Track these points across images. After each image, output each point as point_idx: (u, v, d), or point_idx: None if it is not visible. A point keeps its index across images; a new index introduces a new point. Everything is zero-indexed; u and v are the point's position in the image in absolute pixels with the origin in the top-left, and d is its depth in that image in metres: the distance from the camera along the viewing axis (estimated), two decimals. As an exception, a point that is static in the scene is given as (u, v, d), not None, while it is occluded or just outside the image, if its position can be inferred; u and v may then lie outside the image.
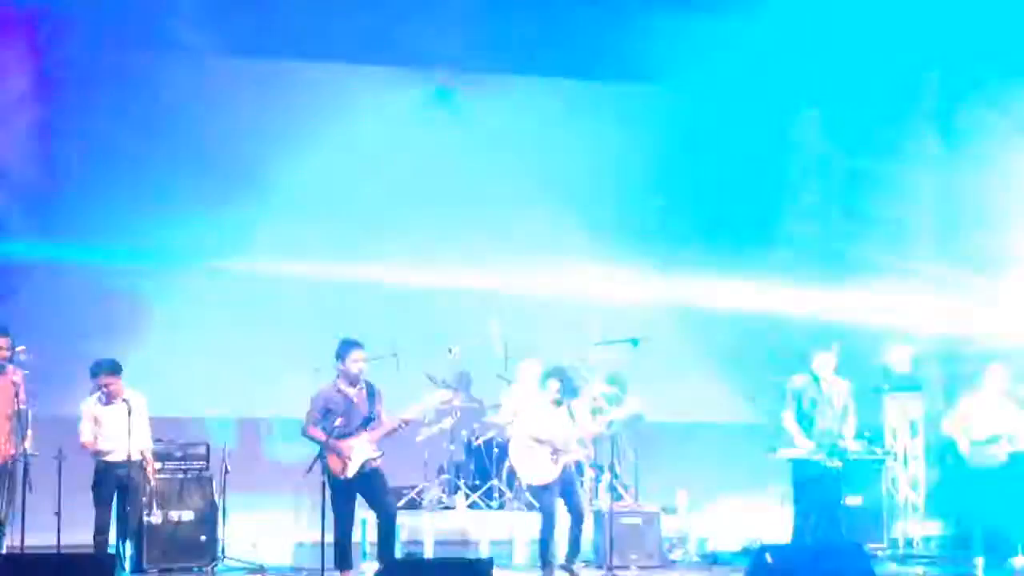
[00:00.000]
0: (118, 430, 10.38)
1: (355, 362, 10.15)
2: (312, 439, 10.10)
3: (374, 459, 10.10)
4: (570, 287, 14.15)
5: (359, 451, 10.05)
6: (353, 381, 10.18)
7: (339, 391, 10.19)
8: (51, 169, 13.36)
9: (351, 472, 10.03)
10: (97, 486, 10.52)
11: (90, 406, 10.59)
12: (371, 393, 10.27)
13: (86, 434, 10.53)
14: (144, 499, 10.70)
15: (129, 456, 10.36)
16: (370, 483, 10.15)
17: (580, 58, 14.35)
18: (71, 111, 13.27)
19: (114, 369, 10.54)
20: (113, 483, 10.49)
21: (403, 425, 10.33)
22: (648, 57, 13.78)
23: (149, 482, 10.65)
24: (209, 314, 13.50)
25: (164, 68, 13.51)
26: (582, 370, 11.81)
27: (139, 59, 13.44)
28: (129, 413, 10.31)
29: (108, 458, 10.50)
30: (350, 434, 10.07)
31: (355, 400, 10.16)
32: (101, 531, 10.45)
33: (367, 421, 10.13)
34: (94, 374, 10.52)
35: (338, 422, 10.06)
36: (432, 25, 13.55)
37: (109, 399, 10.48)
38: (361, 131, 14.01)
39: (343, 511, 10.10)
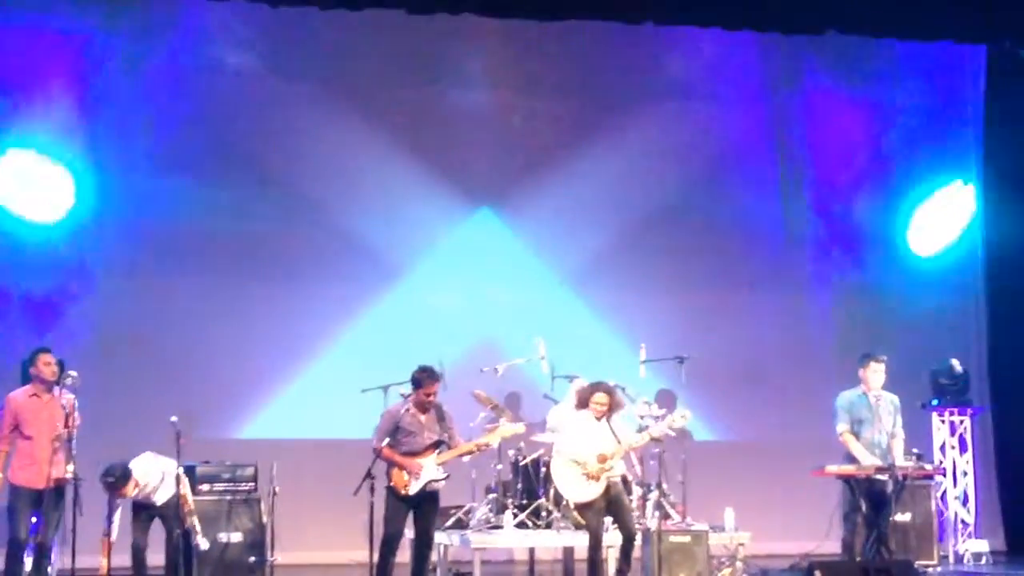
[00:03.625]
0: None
1: (429, 394, 10.27)
2: (380, 455, 10.16)
3: (438, 480, 10.21)
4: (616, 305, 14.14)
5: (426, 470, 10.18)
6: (424, 407, 10.27)
7: (408, 411, 10.30)
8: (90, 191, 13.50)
9: (413, 490, 10.14)
10: (133, 511, 10.59)
11: None
12: (441, 416, 10.39)
13: None
14: (178, 530, 10.68)
15: None
16: (425, 504, 10.28)
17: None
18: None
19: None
20: (146, 510, 10.56)
21: (477, 451, 10.59)
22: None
23: (184, 520, 10.52)
24: (255, 335, 13.54)
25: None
26: (628, 389, 11.77)
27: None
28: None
29: None
30: (416, 454, 10.17)
31: (423, 421, 10.30)
32: (138, 549, 10.49)
33: (437, 443, 10.25)
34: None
35: (405, 441, 10.15)
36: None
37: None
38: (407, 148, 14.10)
39: (393, 527, 10.17)
